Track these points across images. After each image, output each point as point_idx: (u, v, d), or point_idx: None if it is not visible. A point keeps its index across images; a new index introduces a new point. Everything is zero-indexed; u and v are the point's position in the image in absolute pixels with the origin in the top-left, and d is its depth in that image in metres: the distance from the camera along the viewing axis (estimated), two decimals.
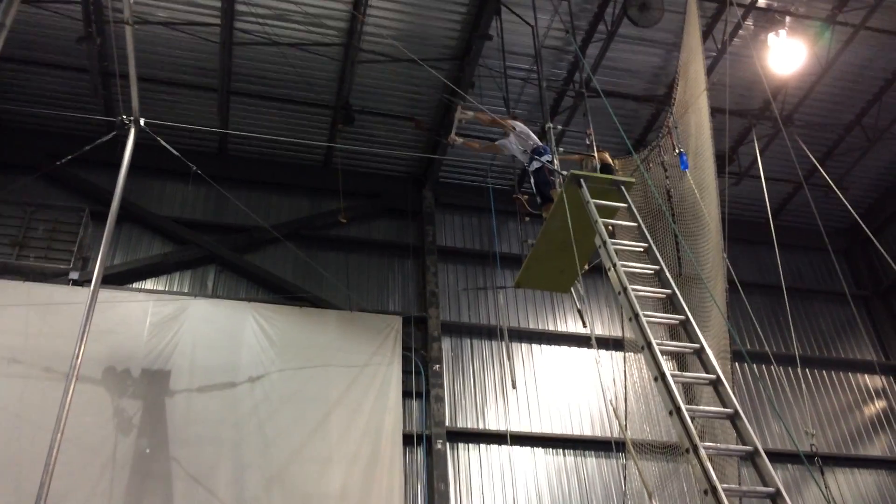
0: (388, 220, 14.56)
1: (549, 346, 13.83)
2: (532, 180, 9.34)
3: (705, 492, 4.47)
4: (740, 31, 12.67)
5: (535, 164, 9.14)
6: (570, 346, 13.86)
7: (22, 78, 12.89)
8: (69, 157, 9.60)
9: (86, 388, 10.18)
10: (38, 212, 12.26)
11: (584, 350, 13.70)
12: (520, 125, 9.56)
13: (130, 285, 12.53)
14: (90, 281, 7.80)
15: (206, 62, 12.70)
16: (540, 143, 9.38)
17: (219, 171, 13.00)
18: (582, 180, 7.27)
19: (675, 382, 5.13)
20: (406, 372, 12.46)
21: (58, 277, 11.85)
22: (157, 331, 11.65)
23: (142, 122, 8.72)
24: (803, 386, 14.39)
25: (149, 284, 12.73)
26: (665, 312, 6.15)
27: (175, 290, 12.73)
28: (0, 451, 10.06)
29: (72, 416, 6.98)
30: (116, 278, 12.24)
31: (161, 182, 13.60)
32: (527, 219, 10.95)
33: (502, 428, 12.36)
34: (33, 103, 12.93)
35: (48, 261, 11.88)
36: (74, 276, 11.89)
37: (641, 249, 6.76)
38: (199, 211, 13.69)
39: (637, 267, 6.47)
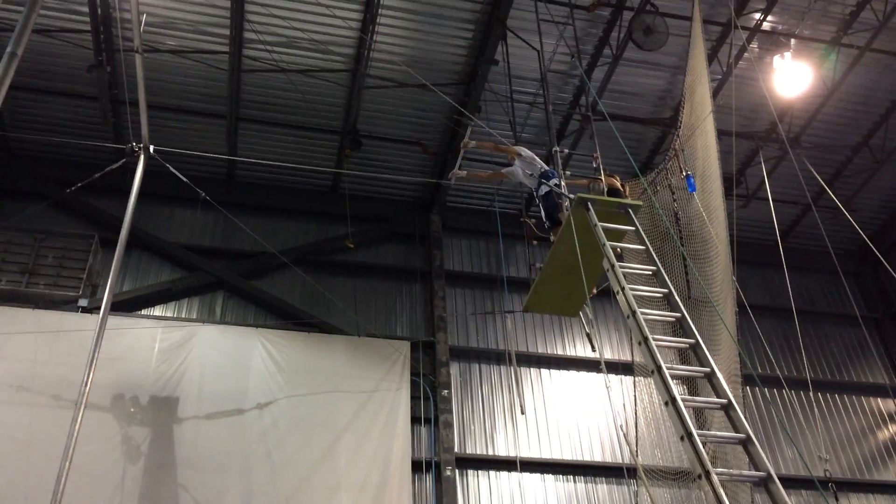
0: (395, 244, 14.56)
1: (558, 371, 13.72)
2: (541, 205, 9.33)
3: None
4: (745, 54, 12.71)
5: (544, 189, 9.14)
6: (579, 370, 13.76)
7: (32, 106, 13.01)
8: (79, 184, 9.66)
9: (94, 416, 10.12)
10: (47, 239, 12.31)
11: (594, 374, 13.61)
12: (525, 151, 9.57)
13: (139, 312, 12.54)
14: (99, 308, 7.80)
15: (215, 89, 12.81)
16: (546, 168, 9.40)
17: (227, 197, 13.06)
18: (589, 203, 7.27)
19: (685, 407, 5.08)
20: (414, 397, 12.36)
21: (67, 304, 11.87)
22: (165, 357, 11.64)
23: (151, 149, 8.76)
24: (815, 410, 14.22)
25: (157, 311, 12.73)
26: (675, 336, 6.10)
27: (183, 316, 12.71)
28: (8, 479, 10.01)
29: (80, 443, 6.95)
30: (125, 305, 12.26)
31: (170, 208, 13.66)
32: (534, 242, 10.92)
33: (512, 454, 12.23)
34: (44, 131, 13.08)
35: (57, 288, 11.91)
36: (83, 303, 11.91)
37: (650, 273, 6.73)
38: (208, 237, 13.71)
39: (646, 290, 6.43)
